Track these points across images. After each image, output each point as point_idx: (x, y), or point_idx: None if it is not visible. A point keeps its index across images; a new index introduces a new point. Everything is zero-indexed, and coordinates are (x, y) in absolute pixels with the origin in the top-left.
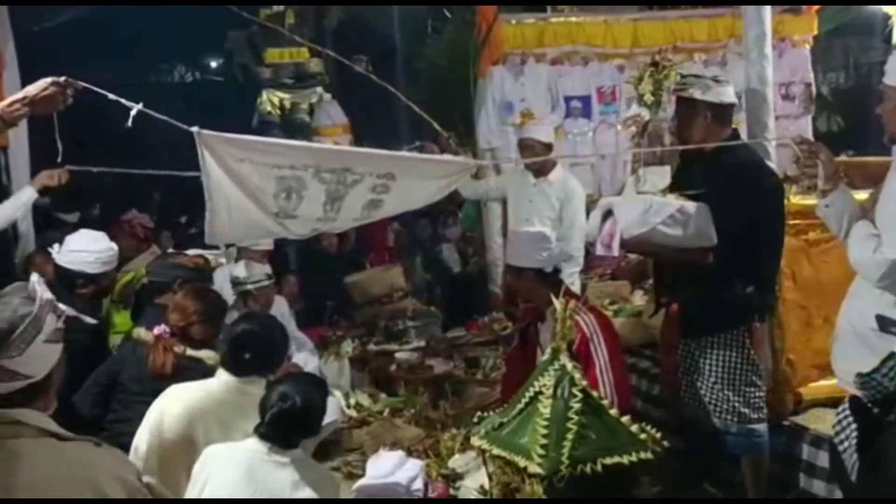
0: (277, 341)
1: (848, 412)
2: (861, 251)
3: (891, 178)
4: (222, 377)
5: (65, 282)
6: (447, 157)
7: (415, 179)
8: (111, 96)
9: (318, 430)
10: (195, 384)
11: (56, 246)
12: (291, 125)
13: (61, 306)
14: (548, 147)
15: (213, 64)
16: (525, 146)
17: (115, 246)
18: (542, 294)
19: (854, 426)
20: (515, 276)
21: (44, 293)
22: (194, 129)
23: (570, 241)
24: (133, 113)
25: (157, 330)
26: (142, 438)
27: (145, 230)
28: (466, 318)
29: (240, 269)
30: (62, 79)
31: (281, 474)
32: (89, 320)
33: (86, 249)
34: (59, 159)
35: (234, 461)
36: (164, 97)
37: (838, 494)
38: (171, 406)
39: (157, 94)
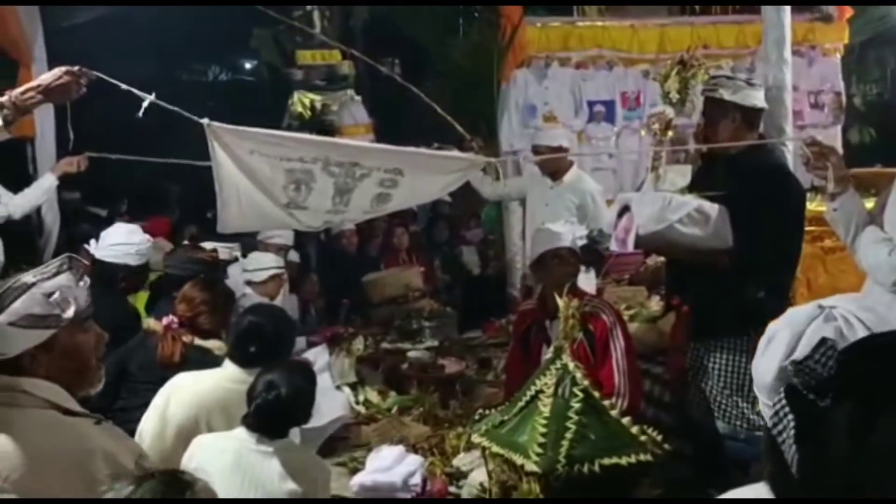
0: (285, 334)
1: (784, 402)
2: (875, 255)
3: None
4: (229, 368)
5: (105, 276)
6: (455, 153)
7: (423, 175)
8: (123, 86)
9: (307, 419)
10: (202, 373)
11: (92, 242)
12: (320, 126)
13: None
14: (558, 150)
15: (247, 65)
16: (537, 153)
17: (150, 238)
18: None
19: (791, 416)
20: (545, 261)
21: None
22: (204, 120)
23: (607, 241)
24: (145, 104)
25: (165, 320)
26: (146, 424)
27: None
28: (484, 319)
29: (259, 257)
30: (76, 68)
31: (269, 464)
32: None
33: (126, 242)
34: (70, 147)
35: (222, 450)
36: (195, 97)
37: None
38: (177, 393)
39: (187, 94)
